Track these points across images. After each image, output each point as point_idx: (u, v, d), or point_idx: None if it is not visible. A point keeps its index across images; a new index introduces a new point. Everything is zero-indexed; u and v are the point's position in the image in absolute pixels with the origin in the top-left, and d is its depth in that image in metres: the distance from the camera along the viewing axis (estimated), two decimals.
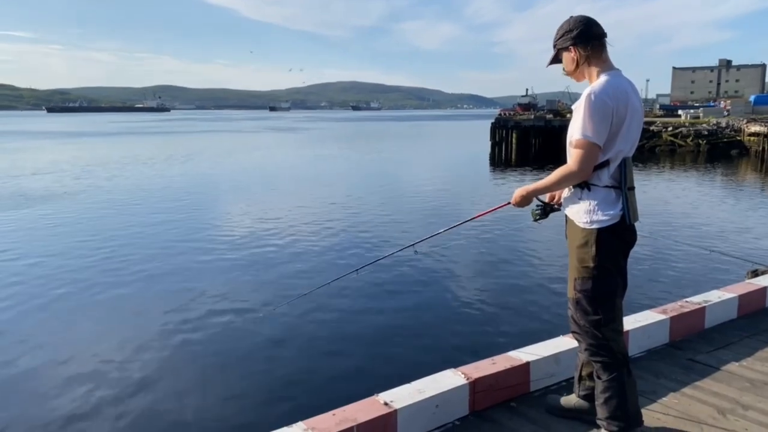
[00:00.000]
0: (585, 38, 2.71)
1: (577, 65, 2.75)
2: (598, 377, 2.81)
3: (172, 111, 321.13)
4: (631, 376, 2.81)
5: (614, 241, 2.70)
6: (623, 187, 2.68)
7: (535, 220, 3.03)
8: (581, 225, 2.72)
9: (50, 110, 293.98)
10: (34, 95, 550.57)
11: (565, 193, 2.83)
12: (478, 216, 3.42)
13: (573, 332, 2.90)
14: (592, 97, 2.57)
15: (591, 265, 2.69)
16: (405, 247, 3.79)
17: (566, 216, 2.87)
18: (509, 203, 2.97)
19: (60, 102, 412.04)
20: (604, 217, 2.67)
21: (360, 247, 11.94)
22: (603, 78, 2.66)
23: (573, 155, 2.64)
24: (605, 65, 2.72)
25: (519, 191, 2.90)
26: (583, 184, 2.71)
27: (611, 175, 2.68)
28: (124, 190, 20.91)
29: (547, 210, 2.99)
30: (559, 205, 2.97)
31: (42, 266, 10.52)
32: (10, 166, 29.96)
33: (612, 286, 2.75)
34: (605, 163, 2.66)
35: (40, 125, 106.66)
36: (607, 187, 2.68)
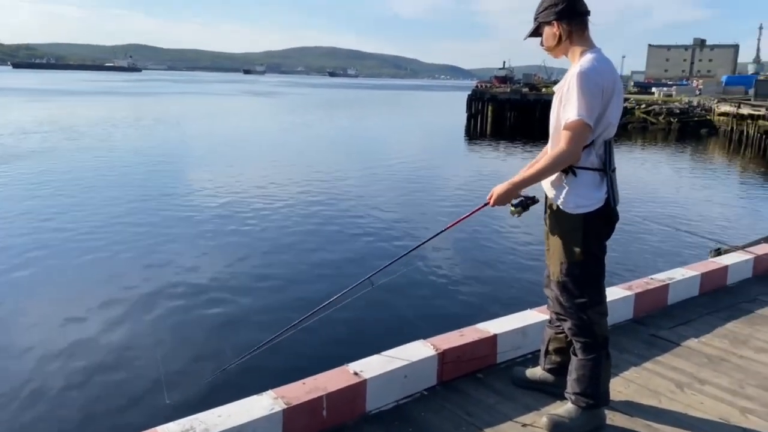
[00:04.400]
0: (569, 14, 2.63)
1: (559, 41, 2.68)
2: (576, 354, 2.80)
3: (143, 71, 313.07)
4: (609, 358, 2.82)
5: (601, 226, 2.68)
6: (608, 169, 2.64)
7: (518, 216, 2.81)
8: (568, 210, 2.67)
9: (16, 66, 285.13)
10: None
11: (549, 178, 2.73)
12: (454, 224, 3.15)
13: (556, 313, 2.87)
14: (583, 75, 2.50)
15: (578, 250, 2.67)
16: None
17: (548, 201, 2.81)
18: (487, 204, 2.82)
19: (26, 58, 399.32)
20: (591, 202, 2.63)
21: (337, 222, 11.93)
22: (589, 55, 2.59)
23: (565, 137, 2.54)
24: (587, 43, 2.67)
25: (501, 188, 2.74)
26: (567, 169, 2.63)
27: (597, 156, 2.63)
28: (116, 152, 20.74)
29: (528, 204, 2.79)
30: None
31: (21, 225, 10.32)
32: None
33: (599, 270, 2.75)
34: (590, 144, 2.61)
35: (7, 81, 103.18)
36: (592, 170, 2.63)
